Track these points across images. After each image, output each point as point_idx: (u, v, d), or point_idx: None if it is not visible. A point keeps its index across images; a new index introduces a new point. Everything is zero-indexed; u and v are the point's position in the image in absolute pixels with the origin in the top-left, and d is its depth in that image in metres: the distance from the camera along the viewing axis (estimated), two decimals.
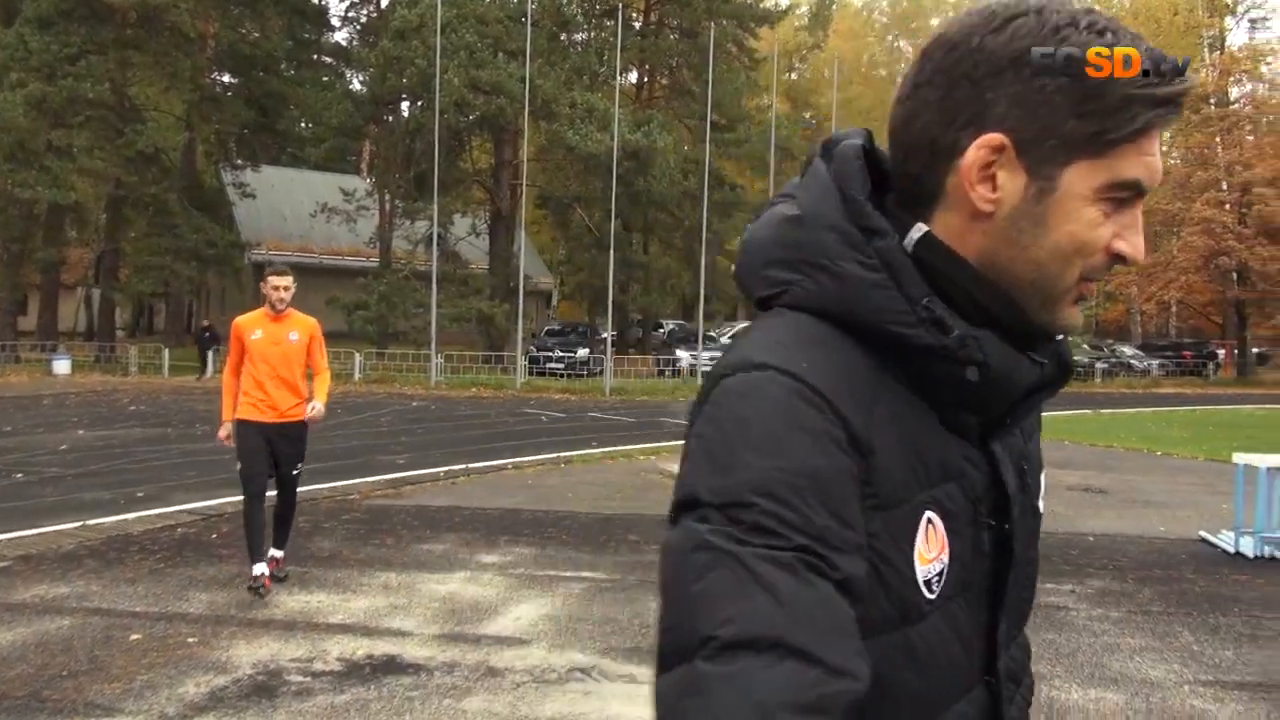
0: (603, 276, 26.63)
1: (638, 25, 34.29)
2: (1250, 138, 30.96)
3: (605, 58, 28.55)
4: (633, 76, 36.08)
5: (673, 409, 19.38)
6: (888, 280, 0.78)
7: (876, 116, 46.83)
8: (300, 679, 4.19)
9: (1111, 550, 7.03)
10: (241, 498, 5.52)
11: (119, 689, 4.02)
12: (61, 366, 24.91)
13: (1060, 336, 0.87)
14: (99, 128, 26.85)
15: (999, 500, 0.88)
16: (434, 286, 24.98)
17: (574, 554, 6.61)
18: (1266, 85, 34.53)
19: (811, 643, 0.65)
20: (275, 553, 5.72)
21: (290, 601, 5.33)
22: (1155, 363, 33.56)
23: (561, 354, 27.28)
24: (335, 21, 34.82)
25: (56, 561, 6.12)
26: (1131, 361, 33.72)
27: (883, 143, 0.88)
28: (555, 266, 39.82)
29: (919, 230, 0.81)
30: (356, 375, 24.68)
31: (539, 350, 27.53)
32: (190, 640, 4.66)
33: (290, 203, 35.18)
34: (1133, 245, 0.80)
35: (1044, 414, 1.02)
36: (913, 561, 0.78)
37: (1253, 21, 38.54)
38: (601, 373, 25.02)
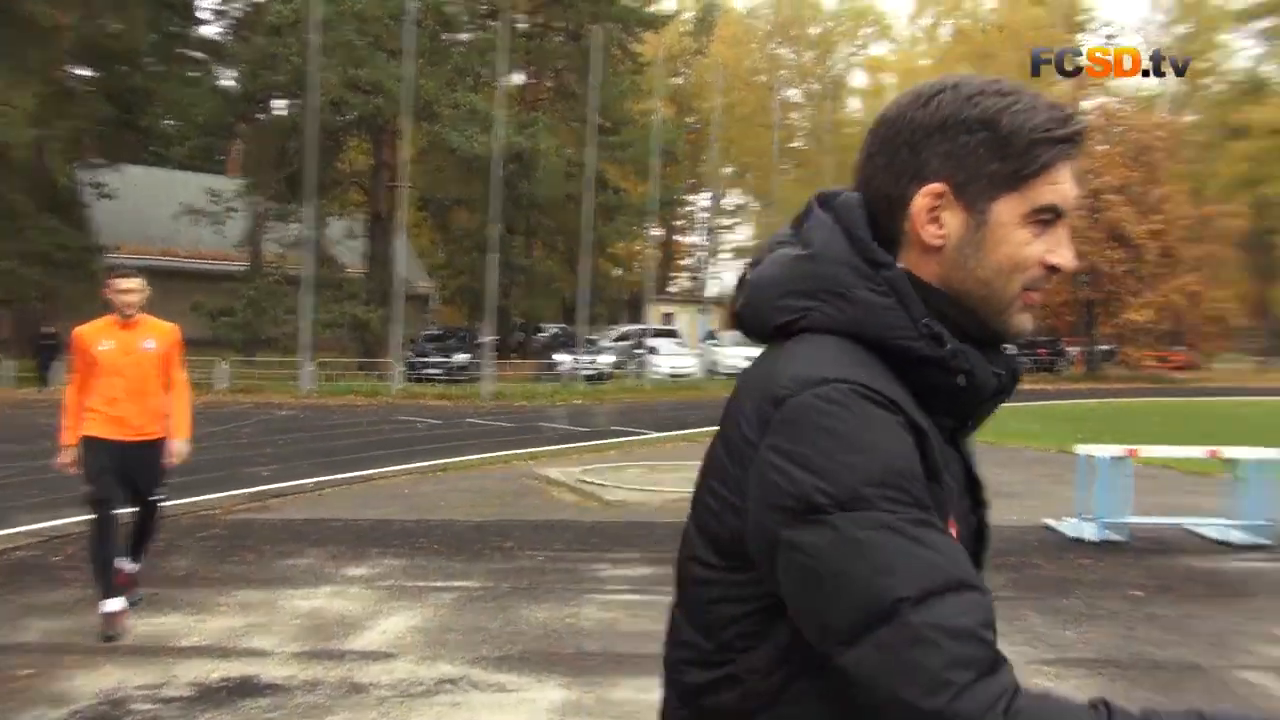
0: (484, 280, 26.32)
1: (522, 27, 34.01)
2: (1101, 148, 32.74)
3: (489, 59, 28.20)
4: (517, 78, 35.73)
5: (551, 414, 19.30)
6: (895, 303, 0.94)
7: (757, 122, 47.88)
8: (147, 706, 3.97)
9: None
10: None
11: None
12: None
13: (1011, 349, 1.04)
14: None
15: (973, 491, 1.05)
16: (306, 292, 24.15)
17: (445, 563, 6.50)
18: (1117, 99, 36.87)
19: (972, 577, 0.84)
20: (129, 565, 5.20)
21: (140, 626, 5.02)
22: None
23: (440, 359, 26.83)
24: (206, 15, 33.17)
25: None
26: None
27: (828, 184, 1.09)
28: (435, 270, 39.07)
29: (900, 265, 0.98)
30: (223, 384, 23.56)
31: (417, 356, 27.01)
32: (24, 672, 4.35)
33: (153, 204, 33.31)
34: (1062, 257, 0.97)
35: None
36: (948, 529, 0.92)
37: (1108, 37, 41.28)
38: (481, 378, 24.76)
